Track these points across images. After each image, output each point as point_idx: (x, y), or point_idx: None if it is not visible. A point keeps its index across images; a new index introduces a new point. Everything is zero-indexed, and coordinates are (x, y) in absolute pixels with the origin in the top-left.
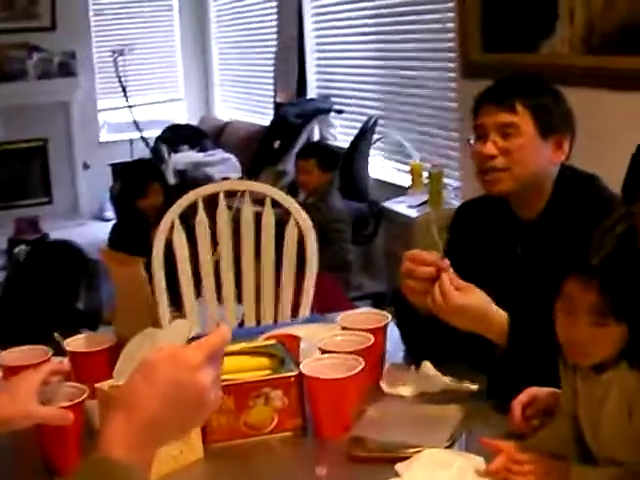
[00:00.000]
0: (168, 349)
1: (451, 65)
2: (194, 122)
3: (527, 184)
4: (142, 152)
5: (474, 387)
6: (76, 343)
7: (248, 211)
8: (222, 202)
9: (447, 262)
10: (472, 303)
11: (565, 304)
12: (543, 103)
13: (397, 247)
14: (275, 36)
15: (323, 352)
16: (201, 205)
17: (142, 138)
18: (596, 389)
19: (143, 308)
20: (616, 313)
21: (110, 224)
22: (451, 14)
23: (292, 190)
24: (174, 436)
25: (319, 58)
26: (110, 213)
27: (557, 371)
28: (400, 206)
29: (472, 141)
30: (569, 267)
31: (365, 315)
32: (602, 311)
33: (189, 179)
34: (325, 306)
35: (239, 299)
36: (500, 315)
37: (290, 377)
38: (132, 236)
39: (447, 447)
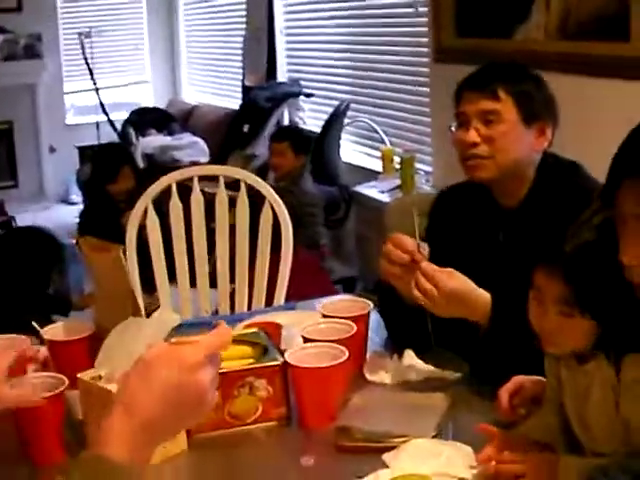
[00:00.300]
0: (166, 348)
1: (424, 50)
2: (161, 105)
3: (509, 171)
4: (109, 135)
5: (457, 375)
6: (54, 331)
7: (223, 196)
8: (196, 187)
9: (426, 249)
10: (460, 287)
11: (535, 294)
12: (525, 90)
13: (368, 232)
14: (244, 19)
15: (306, 340)
16: (175, 190)
17: (109, 121)
18: (581, 379)
19: (123, 296)
20: (581, 304)
21: (76, 208)
22: None
23: (261, 174)
24: (172, 435)
25: (289, 42)
26: (76, 196)
27: (540, 354)
28: (371, 191)
29: (454, 128)
30: (539, 256)
31: (346, 302)
32: (568, 301)
33: (157, 163)
34: (304, 282)
35: (213, 284)
36: (483, 296)
37: (275, 366)
38: (102, 221)
39: (434, 436)
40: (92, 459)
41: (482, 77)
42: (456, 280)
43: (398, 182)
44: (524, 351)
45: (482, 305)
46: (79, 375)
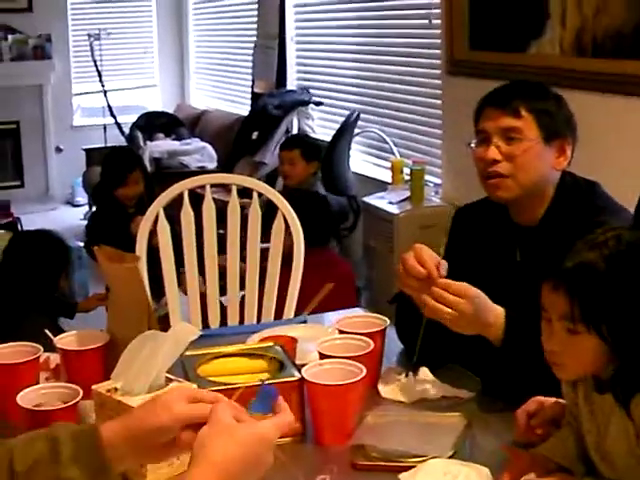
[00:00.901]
0: (258, 428)
1: (436, 62)
2: (170, 109)
3: (530, 190)
4: (116, 138)
5: (472, 394)
6: (67, 340)
7: (235, 204)
8: (208, 195)
9: (445, 266)
10: (480, 296)
11: (543, 313)
12: (546, 107)
13: (376, 243)
14: (255, 25)
15: (322, 356)
16: (187, 197)
17: (116, 124)
18: (600, 409)
19: (138, 306)
20: (585, 319)
21: (81, 210)
22: (437, 10)
23: (269, 182)
24: None
25: (299, 49)
26: (82, 199)
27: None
28: (381, 202)
29: (474, 145)
30: (543, 274)
31: (362, 318)
32: (572, 316)
33: (165, 167)
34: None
35: (223, 292)
36: (497, 310)
37: (292, 382)
38: (111, 225)
39: (451, 456)
40: None
41: (503, 94)
42: (471, 300)
43: (407, 194)
44: (537, 368)
45: (495, 319)
46: (94, 387)
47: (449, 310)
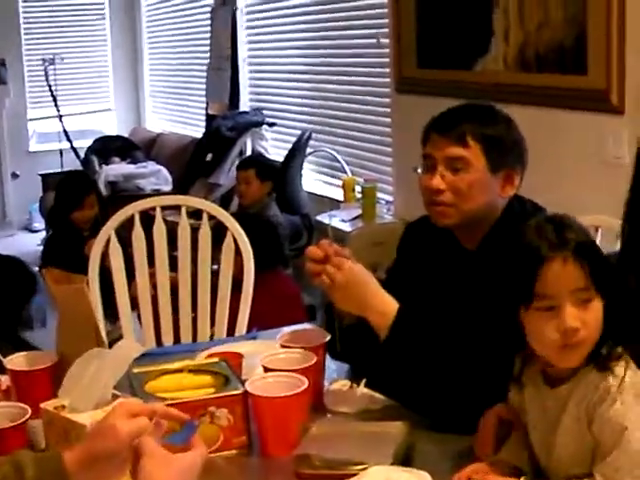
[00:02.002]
0: (188, 457)
1: (386, 80)
2: (125, 133)
3: (473, 218)
4: (72, 162)
5: None
6: (17, 361)
7: (185, 226)
8: (159, 216)
9: (346, 251)
10: (362, 273)
11: (545, 301)
12: (495, 135)
13: None
14: (208, 48)
15: (266, 370)
16: (137, 219)
17: (72, 148)
18: (551, 404)
19: (86, 327)
20: (596, 282)
21: (39, 235)
22: (386, 30)
23: (224, 203)
24: None
25: (252, 71)
26: (39, 224)
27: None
28: (333, 220)
29: (420, 170)
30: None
31: (303, 332)
32: (586, 284)
33: (120, 191)
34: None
35: (175, 312)
36: (389, 300)
37: (236, 395)
38: (66, 249)
39: (392, 463)
40: None
41: (450, 119)
42: (359, 268)
43: (359, 211)
44: (422, 370)
45: (385, 308)
46: (42, 405)
47: (326, 279)
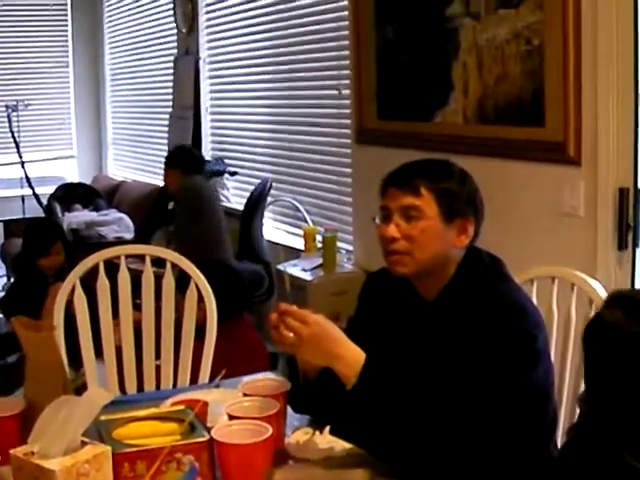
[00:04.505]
0: None
1: (346, 131)
2: (87, 181)
3: (428, 267)
4: (34, 209)
5: None
6: None
7: (149, 274)
8: (123, 265)
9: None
10: (328, 326)
11: None
12: (448, 187)
13: None
14: (170, 97)
15: (231, 418)
16: (102, 268)
17: (34, 195)
18: None
19: (54, 373)
20: None
21: None
22: (347, 81)
23: None
24: None
25: (214, 120)
26: (0, 270)
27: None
28: (294, 269)
29: (378, 220)
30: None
31: (264, 382)
32: None
33: (83, 238)
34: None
35: (139, 360)
36: (357, 351)
37: (201, 442)
38: (30, 295)
39: None
40: None
41: (405, 174)
42: (323, 319)
43: (320, 260)
44: (389, 413)
45: (353, 358)
46: (12, 451)
47: (291, 335)
